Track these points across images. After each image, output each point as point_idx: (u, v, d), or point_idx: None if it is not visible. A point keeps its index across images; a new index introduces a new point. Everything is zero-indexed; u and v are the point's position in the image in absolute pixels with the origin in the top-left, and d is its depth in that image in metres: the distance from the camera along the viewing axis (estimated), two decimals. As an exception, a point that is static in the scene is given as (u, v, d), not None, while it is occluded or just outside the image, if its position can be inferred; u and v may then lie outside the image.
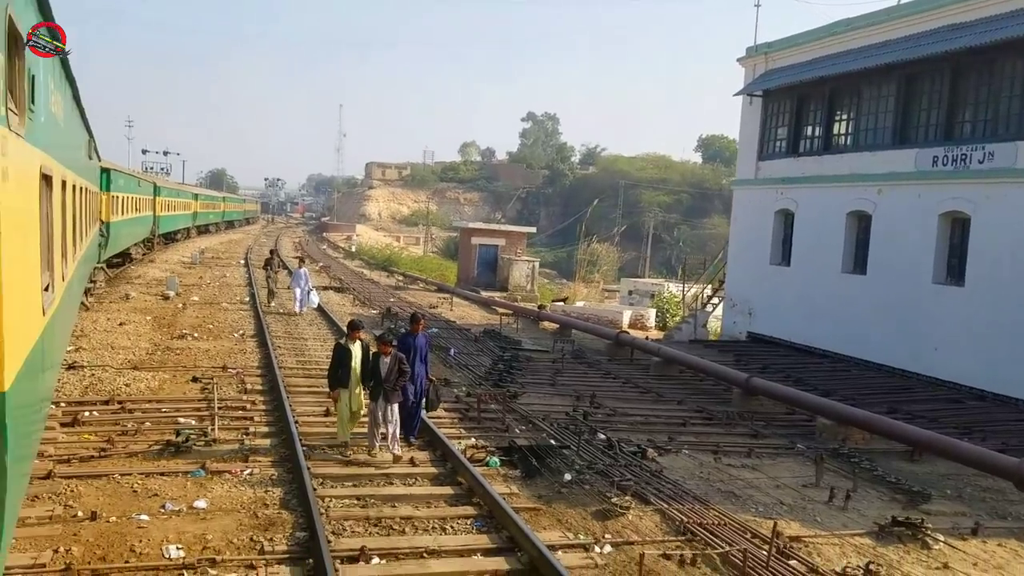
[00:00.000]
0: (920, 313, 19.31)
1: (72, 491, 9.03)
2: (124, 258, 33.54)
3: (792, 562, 8.15)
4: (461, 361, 18.97)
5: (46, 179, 6.34)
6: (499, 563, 7.78)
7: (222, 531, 8.15)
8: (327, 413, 12.69)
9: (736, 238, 26.94)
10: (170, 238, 51.83)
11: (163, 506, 8.72)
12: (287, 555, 7.68)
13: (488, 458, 10.98)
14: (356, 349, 11.25)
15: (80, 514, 8.36)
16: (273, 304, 26.24)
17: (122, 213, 28.61)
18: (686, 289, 31.91)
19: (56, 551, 7.45)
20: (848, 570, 8.06)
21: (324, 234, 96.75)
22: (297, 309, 24.65)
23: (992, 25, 17.87)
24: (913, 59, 19.49)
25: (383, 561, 7.70)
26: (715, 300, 28.22)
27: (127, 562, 7.35)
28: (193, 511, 8.66)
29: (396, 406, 10.77)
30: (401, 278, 45.58)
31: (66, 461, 9.97)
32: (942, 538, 9.15)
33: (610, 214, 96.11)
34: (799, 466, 11.97)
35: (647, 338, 24.30)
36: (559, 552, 8.00)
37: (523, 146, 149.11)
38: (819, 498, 10.46)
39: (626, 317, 29.55)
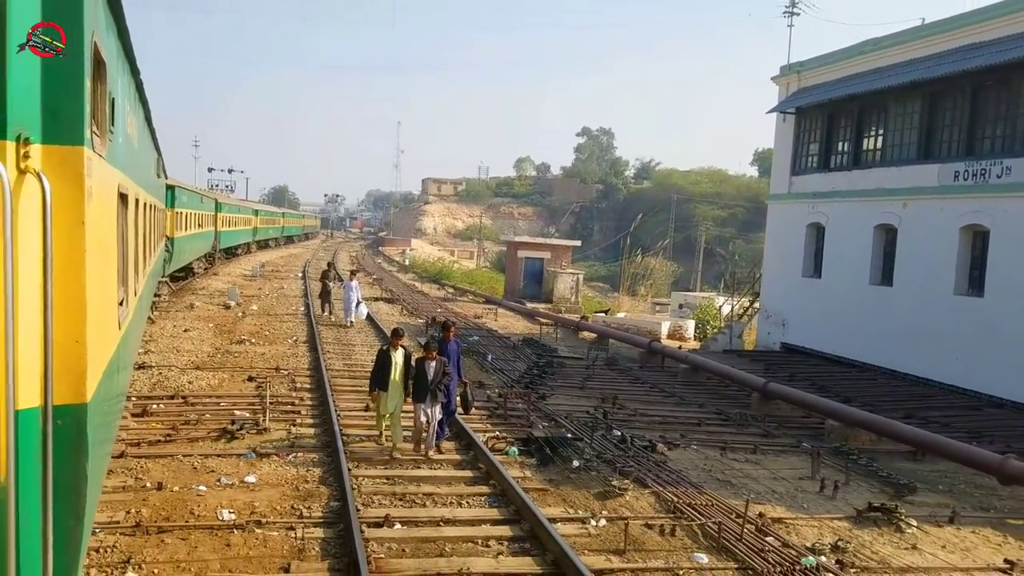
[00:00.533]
0: (942, 324, 19.86)
1: (141, 467, 10.43)
2: (187, 272, 34.89)
3: (768, 538, 9.11)
4: (497, 366, 20.14)
5: (122, 198, 6.59)
6: (504, 531, 8.92)
7: (268, 500, 9.45)
8: (367, 409, 13.94)
9: (770, 251, 27.67)
10: (231, 253, 53.26)
11: (218, 480, 10.07)
12: (322, 520, 8.93)
13: (508, 448, 12.12)
14: (398, 356, 12.18)
15: (148, 485, 9.75)
16: (327, 314, 27.67)
17: (186, 229, 29.88)
18: (733, 301, 32.60)
19: (128, 512, 8.82)
20: (817, 546, 8.99)
21: (380, 248, 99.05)
22: (345, 321, 26.02)
23: (1008, 45, 18.45)
24: (935, 77, 20.15)
25: (404, 527, 8.89)
26: (751, 311, 28.93)
27: (187, 522, 8.68)
28: (244, 484, 9.99)
29: (439, 406, 11.81)
30: (452, 290, 46.98)
31: (136, 444, 11.40)
32: (915, 523, 9.98)
33: (662, 228, 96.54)
34: (801, 462, 12.82)
35: (680, 347, 25.14)
36: (558, 524, 9.09)
37: (578, 161, 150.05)
38: (811, 488, 11.35)
39: (664, 328, 30.38)
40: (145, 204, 11.05)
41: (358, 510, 9.04)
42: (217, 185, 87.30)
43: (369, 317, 26.84)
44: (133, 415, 13.06)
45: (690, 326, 31.84)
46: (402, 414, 12.19)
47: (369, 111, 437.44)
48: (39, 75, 3.60)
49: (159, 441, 11.69)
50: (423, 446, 11.82)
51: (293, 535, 8.49)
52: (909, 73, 21.10)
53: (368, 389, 12.56)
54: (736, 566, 8.31)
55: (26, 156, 3.50)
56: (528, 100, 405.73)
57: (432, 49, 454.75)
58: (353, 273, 31.10)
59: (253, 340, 21.75)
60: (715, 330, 29.96)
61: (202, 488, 9.73)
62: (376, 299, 34.86)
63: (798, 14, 28.25)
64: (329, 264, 32.60)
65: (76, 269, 3.83)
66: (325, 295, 28.38)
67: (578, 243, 49.97)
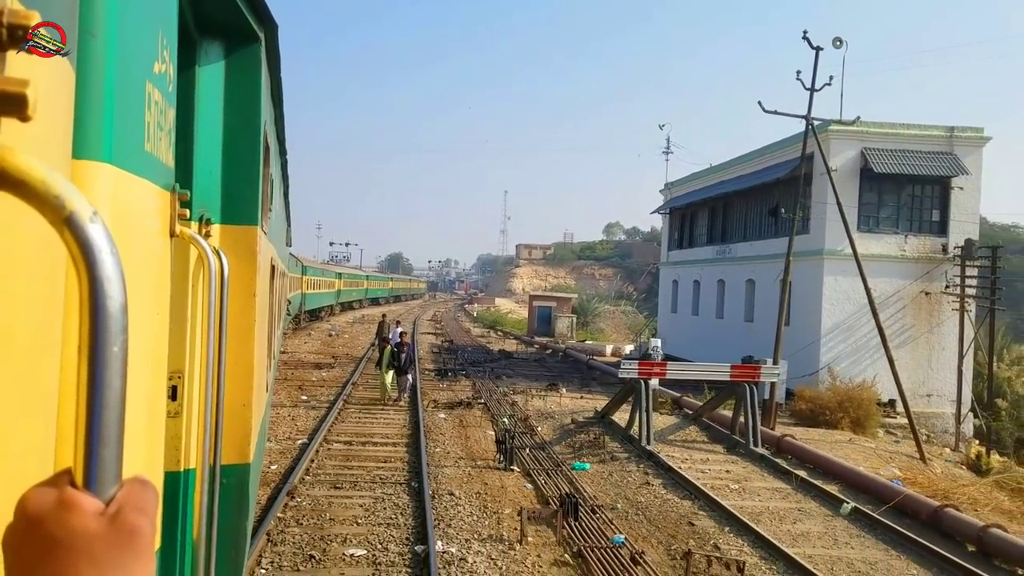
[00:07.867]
0: (713, 335, 35.59)
1: (284, 372, 27.89)
2: (279, 332, 47.08)
3: (500, 389, 25.66)
4: (466, 358, 36.98)
5: (273, 269, 6.95)
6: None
7: (330, 378, 26.76)
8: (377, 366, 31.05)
9: (661, 297, 43.80)
10: (315, 315, 55.12)
11: (311, 373, 27.48)
12: (348, 378, 26.13)
13: (432, 375, 29.02)
14: (387, 351, 29.01)
15: (286, 375, 27.19)
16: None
17: (289, 292, 37.48)
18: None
19: (280, 375, 26.23)
20: (512, 392, 25.47)
21: (466, 306, 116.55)
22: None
23: (734, 184, 34.50)
24: (710, 197, 36.27)
25: (372, 381, 25.95)
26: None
27: (299, 379, 26.07)
28: (321, 375, 27.36)
29: (408, 376, 28.38)
30: (496, 332, 63.89)
31: (283, 369, 28.87)
32: (564, 390, 26.27)
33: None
34: (568, 386, 29.07)
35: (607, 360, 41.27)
36: (424, 386, 25.94)
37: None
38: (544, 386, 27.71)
39: (608, 349, 46.38)
40: (282, 273, 11.64)
41: (357, 376, 26.18)
42: (336, 257, 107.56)
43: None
44: (280, 364, 30.63)
45: (628, 348, 47.75)
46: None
47: (481, 180, 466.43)
48: (219, 161, 3.80)
49: (290, 367, 29.19)
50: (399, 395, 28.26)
51: (341, 381, 25.74)
52: (703, 194, 37.32)
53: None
54: (482, 398, 25.00)
55: (207, 235, 3.60)
56: (619, 169, 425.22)
57: (541, 122, 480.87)
58: (397, 323, 48.18)
59: (340, 347, 39.49)
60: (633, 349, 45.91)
61: (305, 374, 27.17)
62: (428, 333, 52.30)
63: (672, 152, 44.56)
64: (383, 316, 49.49)
65: (247, 339, 4.01)
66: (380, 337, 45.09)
67: (575, 295, 66.14)
